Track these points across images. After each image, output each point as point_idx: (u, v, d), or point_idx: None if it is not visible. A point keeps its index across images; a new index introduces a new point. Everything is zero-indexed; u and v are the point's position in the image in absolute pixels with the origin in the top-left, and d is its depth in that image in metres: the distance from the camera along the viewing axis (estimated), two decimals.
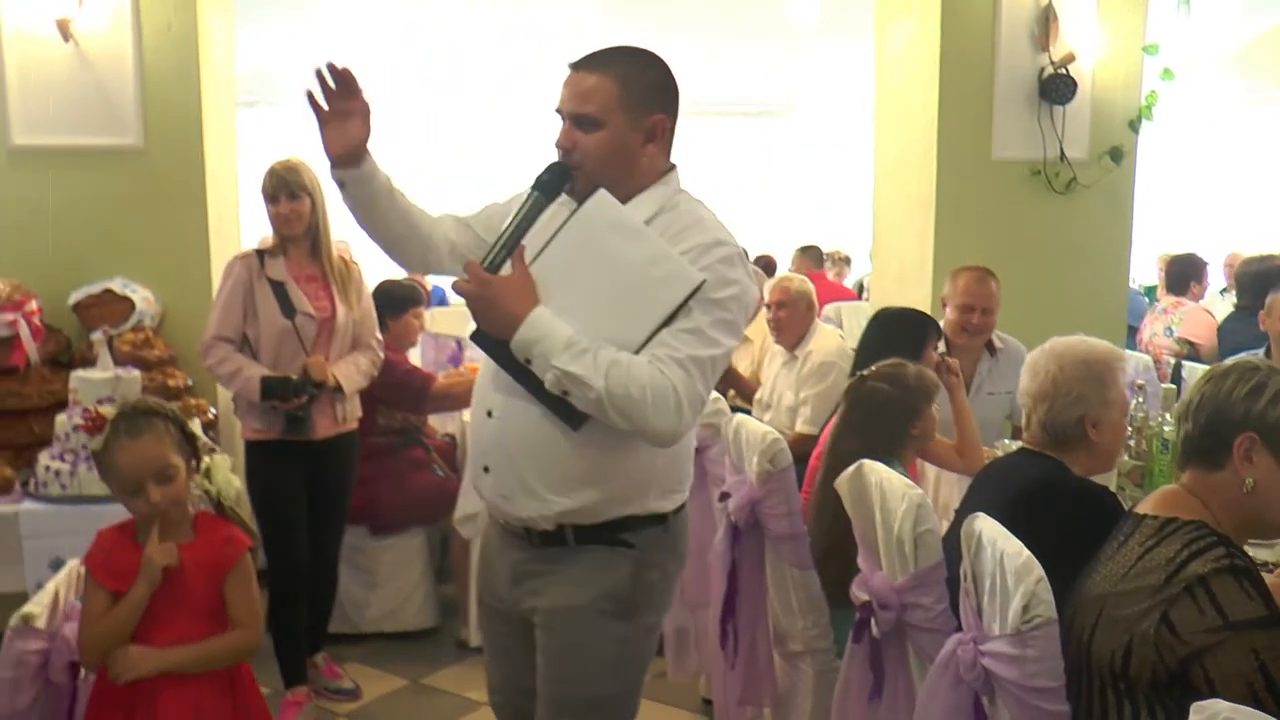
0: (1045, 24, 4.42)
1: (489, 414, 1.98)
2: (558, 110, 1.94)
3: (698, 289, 1.81)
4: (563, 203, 1.97)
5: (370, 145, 1.99)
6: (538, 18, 7.21)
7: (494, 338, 1.87)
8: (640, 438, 1.85)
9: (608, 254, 1.84)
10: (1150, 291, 7.13)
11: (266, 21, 7.14)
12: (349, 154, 1.97)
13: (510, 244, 1.89)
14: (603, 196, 1.86)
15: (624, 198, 1.91)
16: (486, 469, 2.00)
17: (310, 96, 1.94)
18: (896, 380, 2.85)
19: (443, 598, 4.36)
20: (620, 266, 1.83)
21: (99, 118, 3.94)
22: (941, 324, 3.78)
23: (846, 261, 10.04)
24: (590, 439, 1.89)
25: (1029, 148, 4.50)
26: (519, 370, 1.86)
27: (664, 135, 1.95)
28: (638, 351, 1.80)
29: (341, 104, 1.94)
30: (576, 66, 1.93)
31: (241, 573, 2.22)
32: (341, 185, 2.02)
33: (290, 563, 3.48)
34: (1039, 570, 1.69)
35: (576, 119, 1.90)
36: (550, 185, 1.93)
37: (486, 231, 2.08)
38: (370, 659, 4.02)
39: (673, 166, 2.01)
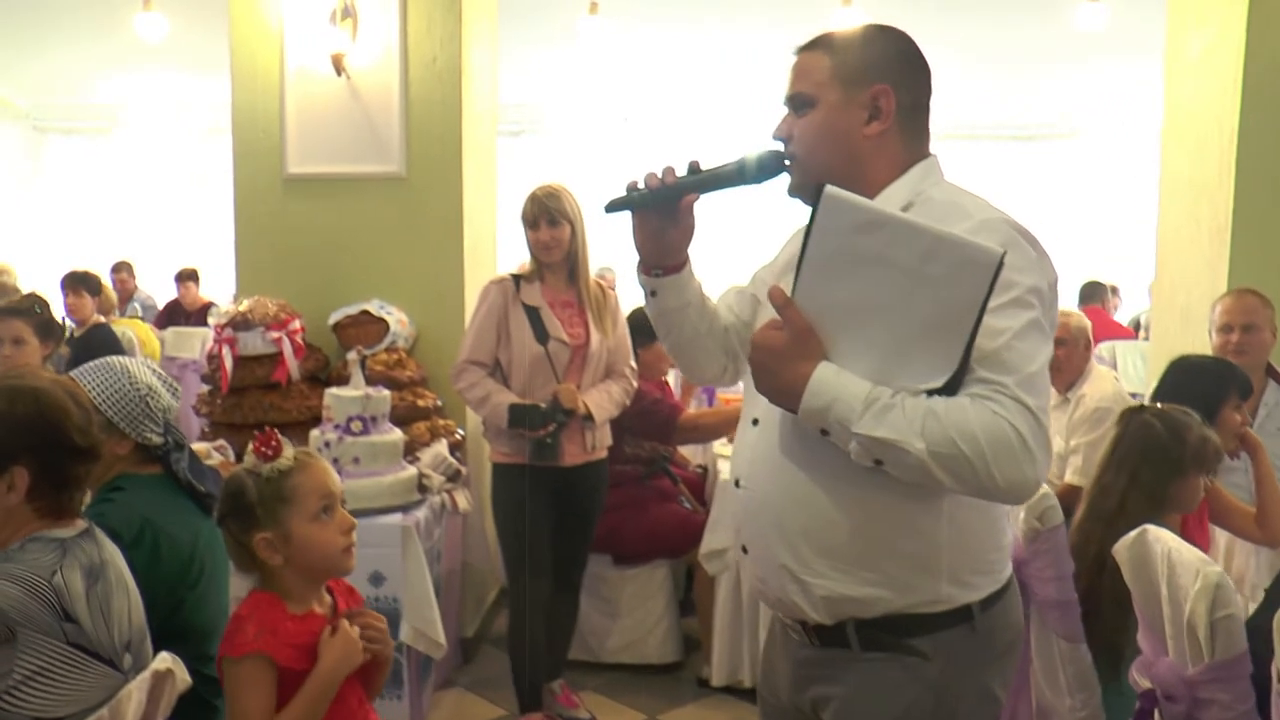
0: None
1: (737, 483, 1.69)
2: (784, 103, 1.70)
3: (1000, 264, 1.35)
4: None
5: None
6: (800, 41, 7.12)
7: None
8: (987, 499, 1.47)
9: (866, 267, 1.41)
10: None
11: (531, 56, 7.37)
12: (669, 256, 1.78)
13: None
14: (831, 196, 1.42)
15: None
16: (745, 549, 1.69)
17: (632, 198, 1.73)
18: (1175, 428, 2.49)
19: (686, 632, 4.27)
20: (890, 277, 1.40)
21: (365, 147, 4.10)
22: None
23: (1114, 292, 9.30)
24: (858, 503, 1.54)
25: None
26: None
27: (891, 111, 1.60)
28: (954, 381, 1.41)
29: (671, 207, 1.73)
30: (798, 50, 1.69)
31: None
32: (652, 293, 1.82)
33: (531, 587, 3.46)
34: None
35: (791, 102, 1.66)
36: (754, 167, 1.66)
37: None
38: (608, 690, 3.97)
39: (927, 155, 1.66)
